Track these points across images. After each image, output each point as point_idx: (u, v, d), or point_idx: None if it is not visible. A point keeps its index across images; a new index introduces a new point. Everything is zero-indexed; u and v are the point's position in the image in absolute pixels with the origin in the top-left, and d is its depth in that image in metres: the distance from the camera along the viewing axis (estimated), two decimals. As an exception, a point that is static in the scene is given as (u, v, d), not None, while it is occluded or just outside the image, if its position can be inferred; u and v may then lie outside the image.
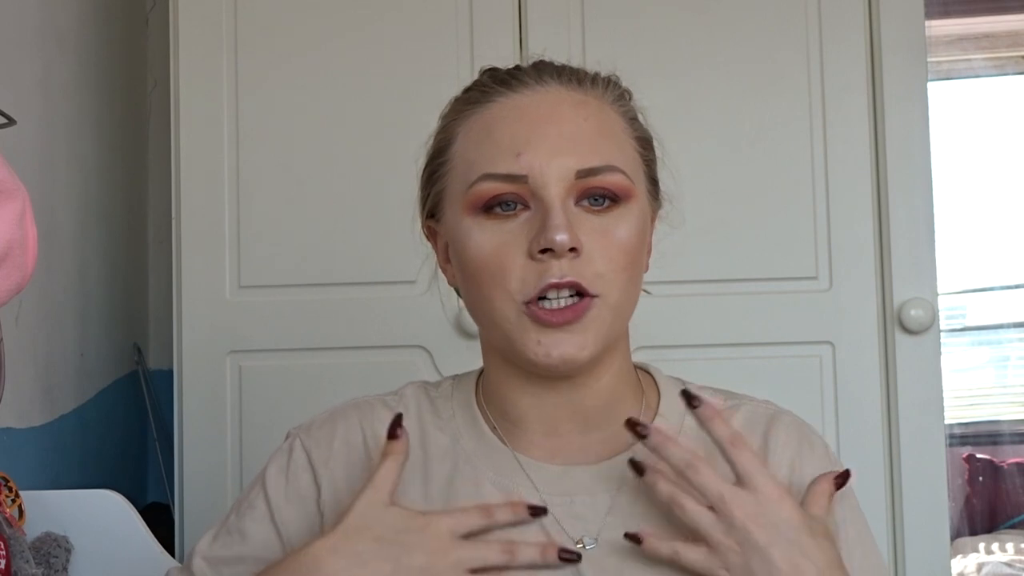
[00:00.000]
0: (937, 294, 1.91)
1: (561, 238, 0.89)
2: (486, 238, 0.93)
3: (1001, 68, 3.12)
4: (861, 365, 1.90)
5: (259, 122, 1.97)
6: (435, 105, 1.94)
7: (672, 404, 1.01)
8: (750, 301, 1.91)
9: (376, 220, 1.95)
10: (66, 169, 2.00)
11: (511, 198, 0.92)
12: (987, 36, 3.06)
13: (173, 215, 1.97)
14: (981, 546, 2.99)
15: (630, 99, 1.02)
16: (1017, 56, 3.11)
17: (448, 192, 0.98)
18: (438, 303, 1.94)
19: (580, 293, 0.91)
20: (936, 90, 2.38)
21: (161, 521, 2.04)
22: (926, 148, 1.92)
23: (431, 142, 1.02)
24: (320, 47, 1.97)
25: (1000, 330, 3.43)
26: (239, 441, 1.93)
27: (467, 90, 1.01)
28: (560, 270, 0.90)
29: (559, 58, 1.93)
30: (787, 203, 1.92)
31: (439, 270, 1.06)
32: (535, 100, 0.95)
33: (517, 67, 0.99)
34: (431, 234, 1.03)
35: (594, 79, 0.99)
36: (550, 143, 0.92)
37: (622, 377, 1.00)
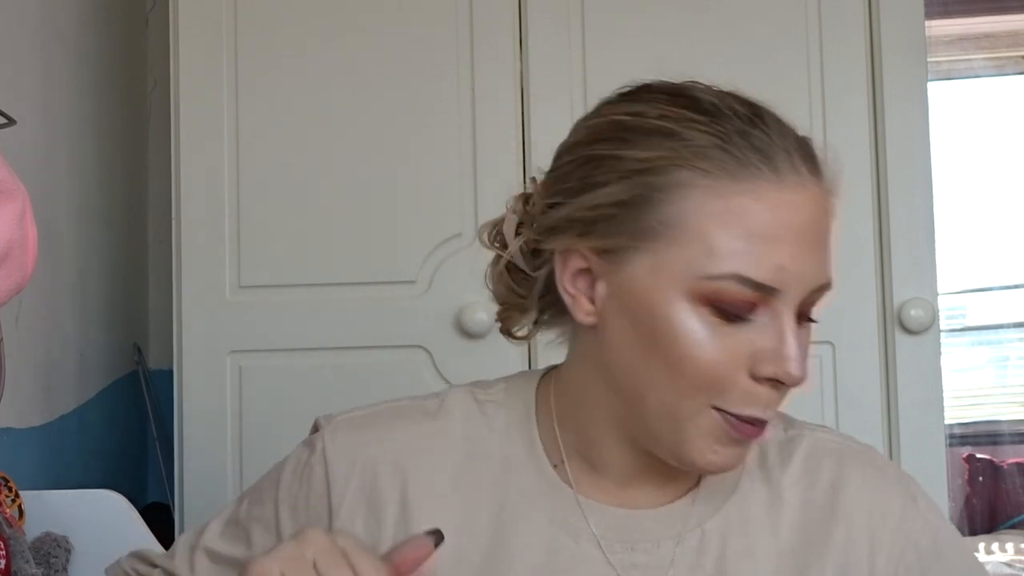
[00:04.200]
0: (937, 294, 1.91)
1: (799, 376, 0.83)
2: (710, 340, 0.82)
3: (1001, 68, 3.12)
4: (861, 365, 1.90)
5: (259, 122, 1.97)
6: (434, 105, 1.95)
7: None
8: (750, 301, 1.91)
9: (376, 220, 1.95)
10: (66, 169, 2.00)
11: (750, 309, 0.83)
12: (987, 36, 3.06)
13: (173, 215, 1.97)
14: (981, 546, 2.98)
15: None
16: (1017, 56, 3.11)
17: (657, 257, 0.83)
18: (438, 303, 1.95)
19: None
20: (936, 90, 2.38)
21: (161, 521, 2.04)
22: (926, 148, 1.92)
23: (627, 171, 0.85)
24: (320, 47, 1.97)
25: (1000, 330, 3.43)
26: (239, 441, 1.93)
27: (694, 125, 0.86)
28: (772, 406, 0.85)
29: (559, 59, 1.93)
30: (787, 203, 1.92)
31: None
32: (801, 202, 0.85)
33: (755, 121, 0.88)
34: (566, 253, 0.88)
35: (830, 167, 0.91)
36: (811, 262, 0.85)
37: None
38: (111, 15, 2.27)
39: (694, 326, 0.82)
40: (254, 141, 1.97)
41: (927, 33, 1.97)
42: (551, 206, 0.89)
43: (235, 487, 1.92)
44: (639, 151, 0.85)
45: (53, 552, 1.47)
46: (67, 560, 1.48)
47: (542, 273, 0.91)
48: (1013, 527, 3.16)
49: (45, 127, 1.90)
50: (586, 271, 0.87)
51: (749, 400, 0.84)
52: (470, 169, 1.93)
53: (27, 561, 1.35)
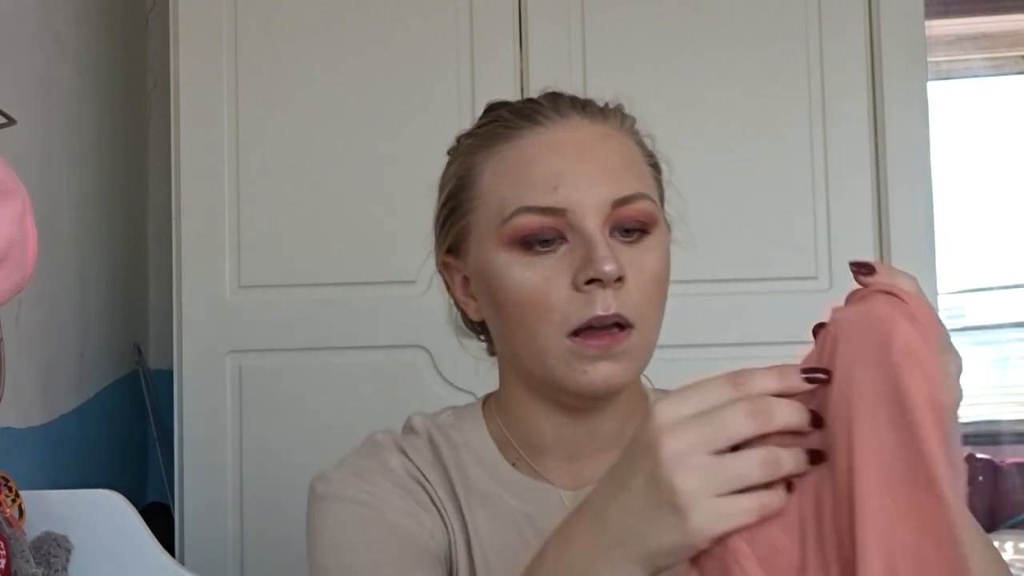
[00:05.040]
0: (937, 294, 1.91)
1: (610, 268, 0.90)
2: (528, 273, 0.93)
3: (1000, 68, 3.11)
4: (861, 365, 1.90)
5: (259, 122, 1.97)
6: (434, 105, 1.96)
7: None
8: (750, 301, 1.91)
9: (376, 220, 1.95)
10: (66, 169, 2.00)
11: (549, 233, 0.93)
12: (987, 36, 3.06)
13: (173, 215, 1.97)
14: (981, 546, 2.98)
15: (634, 123, 1.04)
16: (1017, 56, 3.11)
17: (476, 228, 0.98)
18: (438, 303, 1.95)
19: (620, 324, 0.92)
20: (936, 90, 2.38)
21: (161, 521, 2.04)
22: (926, 148, 1.92)
23: (448, 178, 1.02)
24: (320, 48, 1.97)
25: (1000, 330, 3.43)
26: (239, 441, 1.93)
27: (483, 124, 1.01)
28: (605, 302, 0.91)
29: (559, 59, 1.93)
30: (787, 203, 1.92)
31: (452, 302, 1.06)
32: (565, 135, 0.96)
33: (531, 100, 1.00)
34: (446, 269, 1.04)
35: (608, 110, 1.00)
36: (586, 176, 0.94)
37: (635, 396, 1.01)
38: (111, 15, 2.27)
39: (512, 268, 0.94)
40: (254, 141, 1.97)
41: (927, 33, 1.97)
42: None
43: (235, 487, 1.92)
44: (455, 164, 1.02)
45: (53, 552, 1.47)
46: (67, 560, 1.48)
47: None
48: (1013, 527, 3.16)
49: (45, 127, 1.90)
50: (464, 276, 1.01)
51: (584, 310, 0.91)
52: (470, 169, 1.93)
53: (27, 561, 1.35)
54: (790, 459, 0.65)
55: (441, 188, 1.04)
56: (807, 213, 1.92)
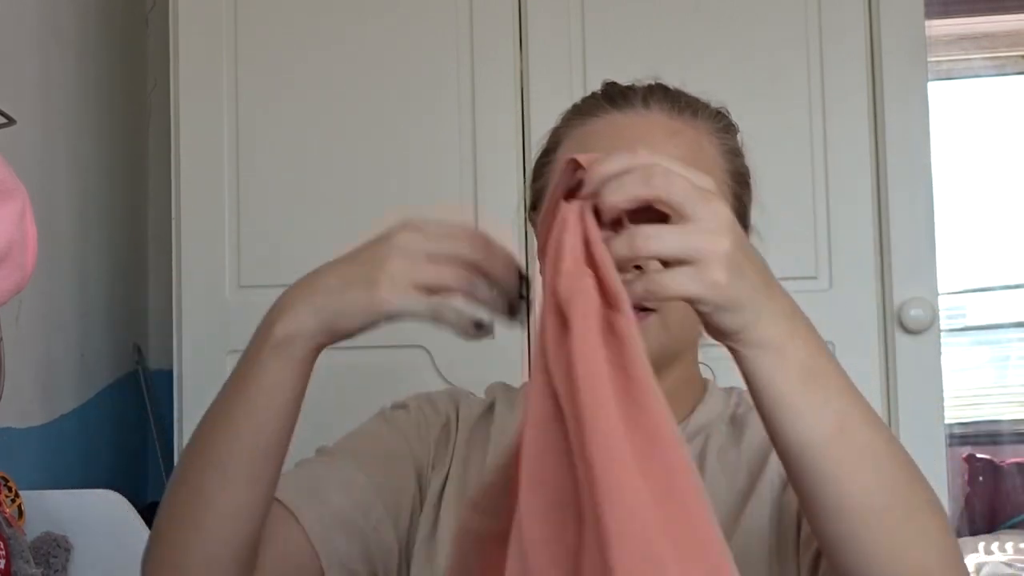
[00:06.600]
0: (937, 294, 1.91)
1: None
2: None
3: (1001, 68, 3.12)
4: (861, 365, 1.90)
5: (259, 122, 1.97)
6: (434, 105, 1.96)
7: (710, 407, 1.04)
8: (750, 301, 1.91)
9: (376, 220, 1.94)
10: (66, 169, 2.00)
11: None
12: (987, 36, 3.06)
13: (173, 215, 1.97)
14: (981, 546, 2.98)
15: (734, 133, 1.09)
16: (1017, 56, 3.11)
17: (547, 190, 1.03)
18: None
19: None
20: (936, 90, 2.38)
21: (161, 521, 2.04)
22: (926, 148, 1.92)
23: (544, 141, 1.09)
24: (320, 47, 1.97)
25: (1000, 330, 3.43)
26: (239, 441, 1.93)
27: (584, 98, 1.07)
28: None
29: (559, 59, 1.93)
30: (787, 203, 1.92)
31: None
32: (633, 122, 1.01)
33: (632, 87, 1.05)
34: (534, 225, 1.09)
35: (698, 109, 1.04)
36: None
37: (683, 386, 1.03)
38: (111, 15, 2.27)
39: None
40: (254, 141, 1.97)
41: (927, 33, 1.97)
42: None
43: (235, 487, 1.92)
44: (551, 132, 1.08)
45: (53, 552, 1.48)
46: (67, 560, 1.49)
47: None
48: (1013, 527, 3.16)
49: (45, 127, 1.90)
50: None
51: None
52: (470, 169, 1.93)
53: (27, 561, 1.35)
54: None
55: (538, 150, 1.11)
56: (807, 213, 1.92)
